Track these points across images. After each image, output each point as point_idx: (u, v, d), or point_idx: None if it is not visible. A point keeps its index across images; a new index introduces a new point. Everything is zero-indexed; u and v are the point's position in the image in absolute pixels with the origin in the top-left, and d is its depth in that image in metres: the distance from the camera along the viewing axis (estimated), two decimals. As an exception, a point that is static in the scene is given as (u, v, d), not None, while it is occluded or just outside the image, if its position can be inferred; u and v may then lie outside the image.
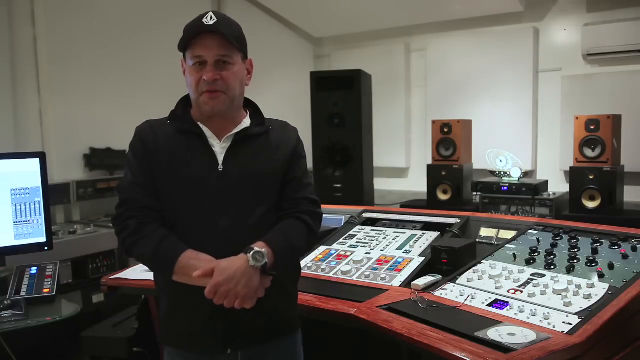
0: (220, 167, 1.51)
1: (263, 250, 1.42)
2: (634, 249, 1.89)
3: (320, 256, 2.33)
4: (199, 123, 1.55)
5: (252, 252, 1.40)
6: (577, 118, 3.68)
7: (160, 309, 1.59)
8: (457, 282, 1.91)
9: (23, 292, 2.43)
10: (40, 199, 2.63)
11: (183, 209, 1.51)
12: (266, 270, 1.42)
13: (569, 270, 1.84)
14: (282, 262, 1.48)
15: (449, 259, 2.06)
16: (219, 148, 1.54)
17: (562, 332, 1.48)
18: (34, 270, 2.55)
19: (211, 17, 1.47)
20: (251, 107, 1.65)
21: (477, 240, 2.30)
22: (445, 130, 4.20)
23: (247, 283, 1.39)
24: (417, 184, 5.03)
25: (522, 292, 1.75)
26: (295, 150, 1.62)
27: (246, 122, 1.59)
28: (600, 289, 1.68)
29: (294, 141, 1.63)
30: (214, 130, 1.55)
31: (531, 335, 1.44)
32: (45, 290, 2.46)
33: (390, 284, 2.01)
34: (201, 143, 1.53)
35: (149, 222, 1.49)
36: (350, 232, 2.55)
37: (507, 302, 1.69)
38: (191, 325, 1.51)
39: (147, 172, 1.52)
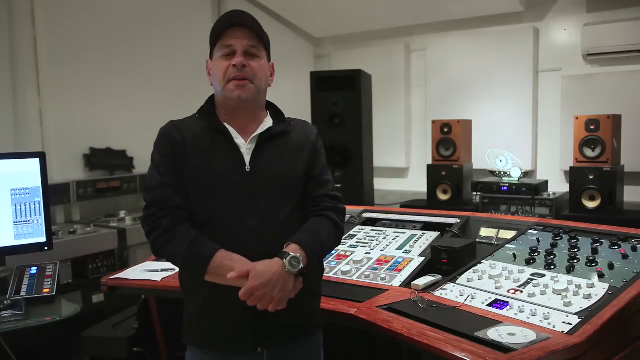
0: (248, 168, 1.53)
1: (299, 255, 1.43)
2: (634, 249, 1.89)
3: (320, 256, 2.33)
4: (224, 123, 1.57)
5: (288, 258, 1.42)
6: (577, 118, 3.67)
7: (186, 309, 1.57)
8: (457, 282, 1.91)
9: (23, 292, 2.43)
10: (40, 199, 2.63)
11: (212, 209, 1.51)
12: (301, 273, 1.44)
13: (569, 270, 1.84)
14: (313, 263, 1.50)
15: (449, 259, 2.06)
16: (245, 149, 1.55)
17: (562, 332, 1.48)
18: (34, 270, 2.55)
19: (241, 14, 1.55)
20: (271, 108, 1.68)
21: (477, 240, 2.31)
22: (445, 130, 4.20)
23: (282, 288, 1.41)
24: (417, 184, 5.02)
25: (522, 292, 1.75)
26: (315, 147, 1.65)
27: (268, 121, 1.62)
28: (600, 289, 1.68)
29: (314, 138, 1.66)
30: (238, 129, 1.57)
31: (531, 335, 1.44)
32: (45, 290, 2.46)
33: (390, 284, 2.01)
34: (227, 142, 1.54)
35: (181, 222, 1.48)
36: (350, 232, 2.55)
37: (507, 302, 1.69)
38: (222, 324, 1.50)
39: (176, 172, 1.52)
